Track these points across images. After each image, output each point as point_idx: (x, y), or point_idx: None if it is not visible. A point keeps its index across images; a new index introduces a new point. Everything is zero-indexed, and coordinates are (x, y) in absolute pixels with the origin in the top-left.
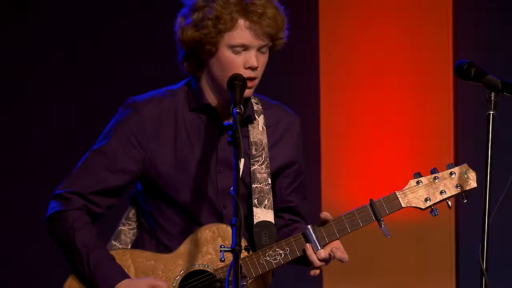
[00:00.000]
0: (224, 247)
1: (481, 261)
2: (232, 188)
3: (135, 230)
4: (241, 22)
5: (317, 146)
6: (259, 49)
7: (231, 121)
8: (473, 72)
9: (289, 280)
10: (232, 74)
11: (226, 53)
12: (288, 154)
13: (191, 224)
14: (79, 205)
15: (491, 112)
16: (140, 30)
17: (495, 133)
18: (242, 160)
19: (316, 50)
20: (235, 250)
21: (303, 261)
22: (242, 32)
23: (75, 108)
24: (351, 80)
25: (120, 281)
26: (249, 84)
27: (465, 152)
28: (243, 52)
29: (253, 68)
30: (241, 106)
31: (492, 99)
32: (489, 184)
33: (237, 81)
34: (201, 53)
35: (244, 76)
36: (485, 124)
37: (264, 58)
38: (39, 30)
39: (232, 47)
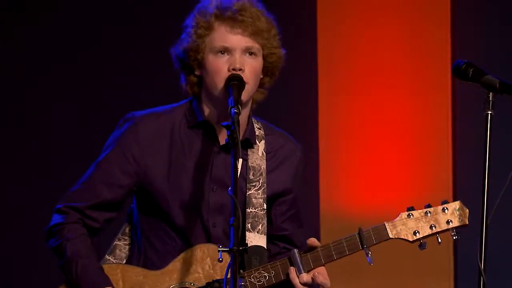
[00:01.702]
0: (222, 247)
1: (479, 261)
2: (230, 188)
3: (130, 246)
4: (217, 23)
5: (316, 146)
6: (244, 52)
7: (228, 136)
8: (471, 72)
9: None
10: (229, 75)
11: (210, 58)
12: (285, 181)
13: (179, 242)
14: (76, 219)
15: (489, 112)
16: (141, 30)
17: (493, 133)
18: (240, 160)
19: (315, 50)
20: (233, 250)
21: (288, 286)
22: (220, 33)
23: (75, 108)
24: (350, 80)
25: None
26: None
27: (463, 152)
28: (227, 56)
29: (236, 70)
30: (239, 106)
31: (490, 99)
32: (487, 185)
33: (234, 81)
34: (192, 65)
35: None
36: (483, 124)
37: (252, 63)
38: (39, 30)
39: (214, 50)
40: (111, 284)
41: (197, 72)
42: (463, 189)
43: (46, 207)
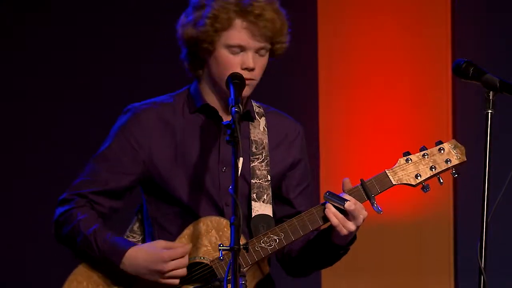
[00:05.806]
0: (222, 246)
1: (479, 260)
2: (230, 187)
3: (140, 243)
4: (238, 22)
5: (316, 145)
6: (257, 51)
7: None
8: (471, 71)
9: (287, 279)
10: (231, 73)
11: (223, 53)
12: (290, 156)
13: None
14: (83, 203)
15: (489, 111)
16: (142, 30)
17: (493, 132)
18: (241, 159)
19: (315, 49)
20: (233, 249)
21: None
22: (238, 32)
23: (75, 108)
24: (350, 80)
25: (130, 248)
26: (246, 83)
27: None
28: (240, 53)
29: (249, 69)
30: (240, 105)
31: (491, 98)
32: (487, 184)
33: (236, 80)
34: (200, 51)
35: None
36: (483, 123)
37: (262, 61)
38: (39, 30)
39: (229, 47)
40: (133, 244)
41: (202, 56)
42: (463, 189)
43: (47, 207)
